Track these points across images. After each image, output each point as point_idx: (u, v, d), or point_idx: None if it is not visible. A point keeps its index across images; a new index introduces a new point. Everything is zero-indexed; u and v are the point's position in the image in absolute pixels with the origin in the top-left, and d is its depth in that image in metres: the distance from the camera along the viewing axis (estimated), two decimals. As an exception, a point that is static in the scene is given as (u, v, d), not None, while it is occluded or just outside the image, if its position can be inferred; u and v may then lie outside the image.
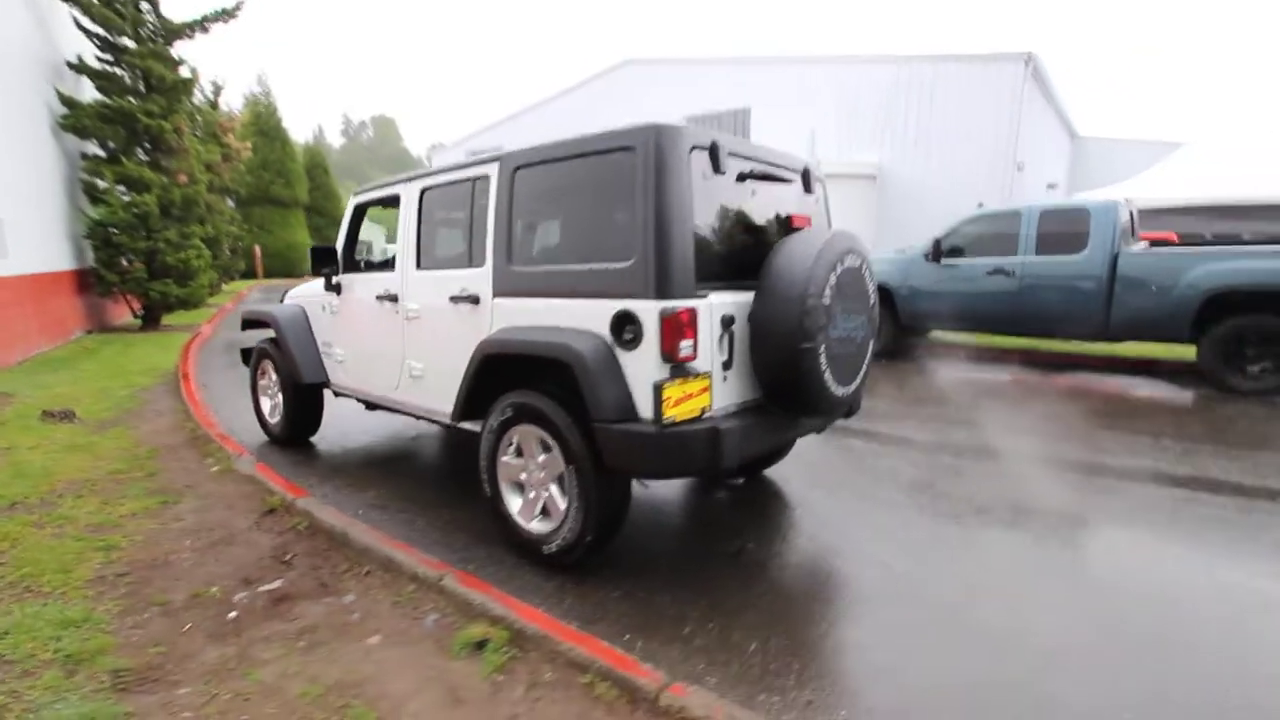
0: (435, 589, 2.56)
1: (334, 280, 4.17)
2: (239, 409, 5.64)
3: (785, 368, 2.63)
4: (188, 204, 10.11)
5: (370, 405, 4.42)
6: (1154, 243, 7.36)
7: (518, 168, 2.98)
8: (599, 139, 2.69)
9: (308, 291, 4.79)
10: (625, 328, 2.55)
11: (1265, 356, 5.80)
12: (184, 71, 10.27)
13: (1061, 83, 17.96)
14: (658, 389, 2.42)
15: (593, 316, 2.64)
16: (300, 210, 31.13)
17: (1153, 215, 10.51)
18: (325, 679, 2.10)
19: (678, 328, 2.44)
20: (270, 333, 4.90)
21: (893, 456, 4.47)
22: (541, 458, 2.88)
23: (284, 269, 29.26)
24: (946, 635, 2.39)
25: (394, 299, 3.67)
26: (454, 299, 3.25)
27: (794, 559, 3.03)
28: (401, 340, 3.66)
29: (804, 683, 2.12)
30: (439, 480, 4.17)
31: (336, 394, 4.56)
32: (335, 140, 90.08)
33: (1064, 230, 6.91)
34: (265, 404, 5.01)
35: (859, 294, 2.92)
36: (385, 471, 4.29)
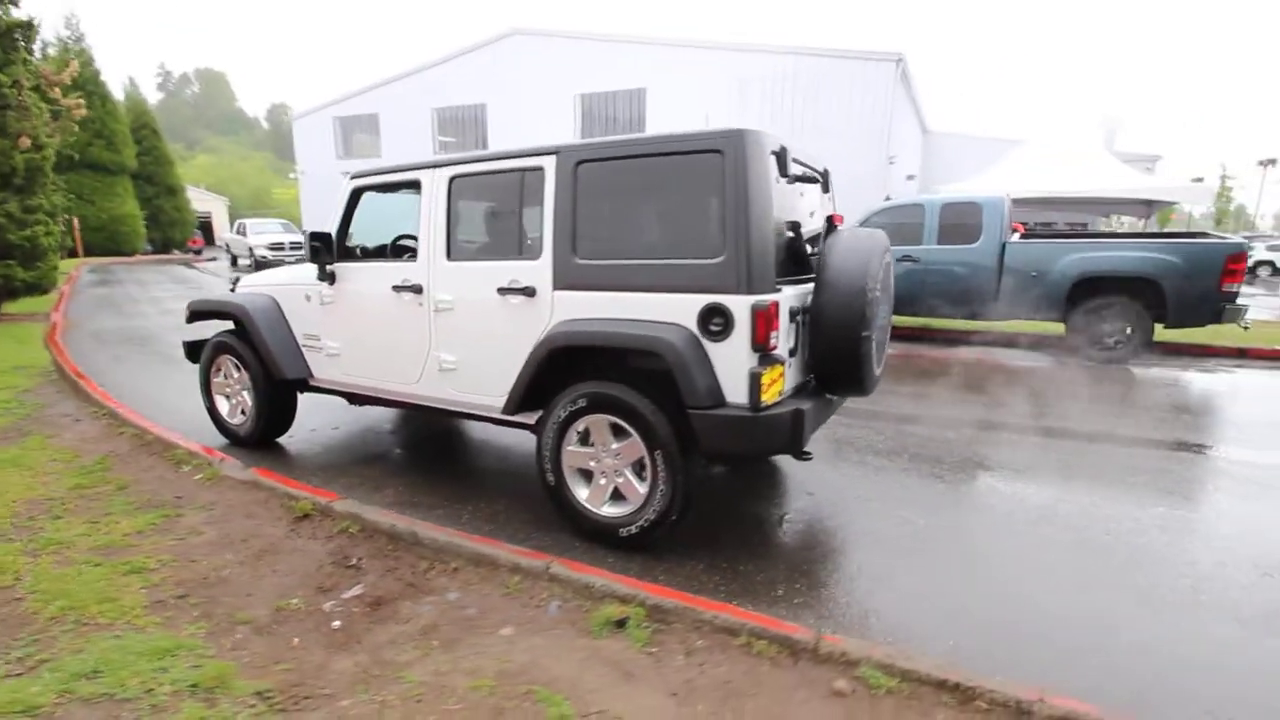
0: (545, 577, 2.63)
1: (328, 268, 3.90)
2: (162, 407, 5.11)
3: (847, 354, 2.95)
4: (32, 172, 8.60)
5: (355, 399, 4.23)
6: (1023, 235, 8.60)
7: (580, 162, 3.02)
8: (680, 140, 2.81)
9: (277, 279, 4.43)
10: (713, 320, 2.73)
11: (1118, 331, 7.08)
12: (20, 14, 8.63)
13: (918, 80, 19.96)
14: (755, 377, 2.64)
15: (677, 309, 2.79)
16: (127, 178, 27.14)
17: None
18: (485, 672, 2.14)
19: (768, 320, 2.66)
20: (226, 325, 4.51)
21: (861, 428, 5.00)
22: (615, 445, 3.00)
23: (110, 245, 25.50)
24: (985, 575, 2.87)
25: (417, 290, 3.55)
26: (503, 291, 3.23)
27: (831, 522, 3.41)
28: (427, 333, 3.55)
29: (906, 623, 2.47)
30: (452, 472, 4.10)
31: (311, 390, 4.29)
32: (151, 95, 78.59)
33: (961, 222, 7.89)
34: (223, 404, 4.58)
35: (888, 286, 3.31)
36: (387, 468, 4.14)
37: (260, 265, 21.24)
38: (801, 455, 2.94)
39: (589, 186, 3.03)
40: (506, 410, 3.27)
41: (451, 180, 3.45)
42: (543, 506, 3.50)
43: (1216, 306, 6.60)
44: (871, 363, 3.05)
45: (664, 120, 19.03)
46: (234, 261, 23.33)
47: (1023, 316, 7.73)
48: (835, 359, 3.00)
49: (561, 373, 3.11)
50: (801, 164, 3.25)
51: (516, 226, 3.32)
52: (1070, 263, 7.19)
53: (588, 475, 3.14)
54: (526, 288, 3.16)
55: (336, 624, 2.42)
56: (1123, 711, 1.90)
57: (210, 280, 17.70)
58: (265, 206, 45.36)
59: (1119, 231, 10.12)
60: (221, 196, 42.02)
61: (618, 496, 3.07)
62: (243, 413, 4.50)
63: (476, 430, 4.91)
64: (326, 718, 1.93)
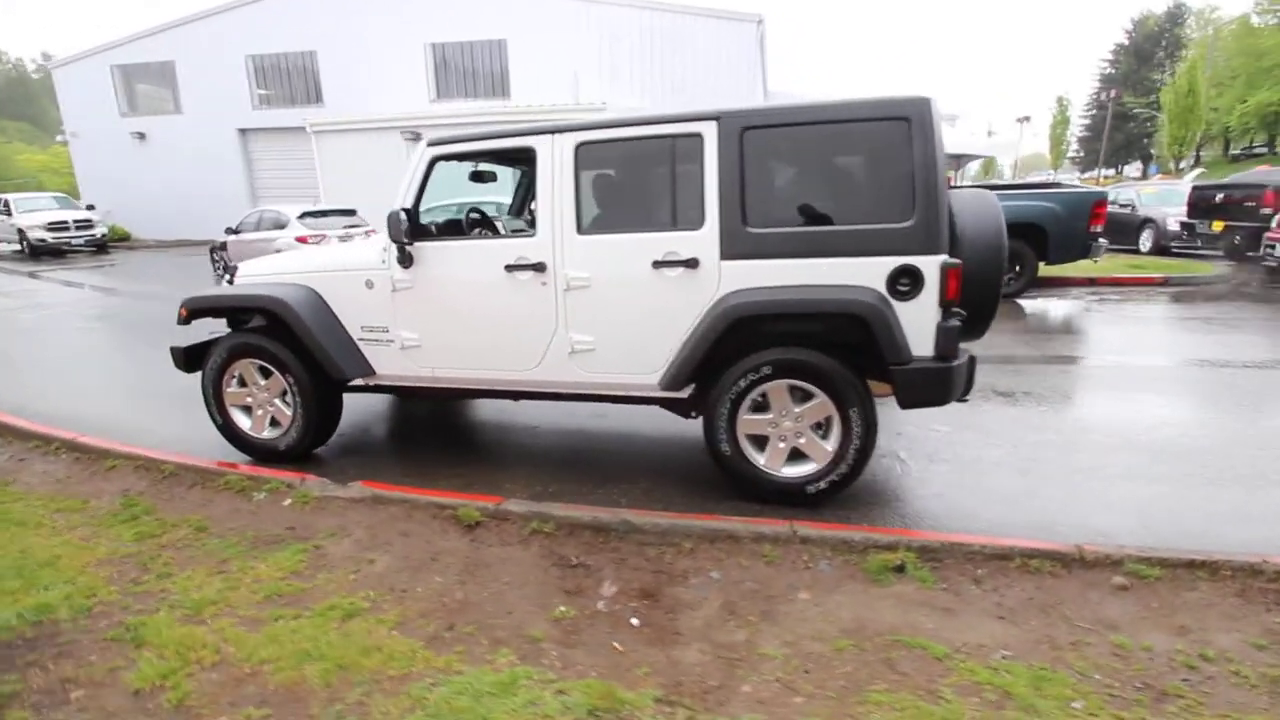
0: (795, 540, 2.71)
1: (407, 249, 3.44)
2: (89, 426, 4.23)
3: (986, 304, 3.30)
4: None
5: (416, 394, 3.88)
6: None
7: (747, 128, 2.98)
8: (860, 106, 2.90)
9: (310, 265, 3.82)
10: (900, 280, 2.92)
11: (1011, 270, 8.37)
12: None
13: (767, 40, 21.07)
14: (951, 330, 2.89)
15: (864, 272, 2.93)
16: None
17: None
18: (829, 634, 2.22)
19: (959, 277, 2.91)
20: (234, 323, 3.94)
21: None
22: (798, 409, 3.11)
23: None
24: (1100, 482, 3.45)
25: (539, 268, 3.29)
26: (658, 264, 3.12)
27: (943, 455, 3.81)
28: (554, 313, 3.32)
29: (1086, 524, 2.92)
30: (561, 459, 3.93)
31: (358, 391, 3.85)
32: None
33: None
34: (240, 418, 3.90)
35: None
36: (481, 464, 3.89)
37: (36, 250, 17.27)
38: (964, 398, 3.27)
39: (757, 154, 3.01)
40: (670, 386, 3.20)
41: (578, 148, 3.21)
42: (690, 478, 3.56)
43: (1086, 245, 8.08)
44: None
45: (529, 74, 18.27)
46: (-9, 247, 18.64)
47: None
48: (977, 309, 3.34)
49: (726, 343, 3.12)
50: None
51: (668, 196, 3.19)
52: (974, 212, 8.30)
53: (760, 440, 3.22)
54: (688, 259, 3.09)
55: (635, 621, 2.33)
56: (1311, 559, 2.48)
57: (-20, 272, 14.13)
58: (2, 178, 36.39)
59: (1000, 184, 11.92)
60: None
61: (795, 457, 3.19)
62: (274, 424, 3.88)
63: (510, 413, 4.64)
64: (746, 704, 1.91)
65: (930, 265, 2.88)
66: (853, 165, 3.00)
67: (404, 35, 18.47)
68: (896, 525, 3.00)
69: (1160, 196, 13.15)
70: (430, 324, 3.56)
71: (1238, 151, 43.05)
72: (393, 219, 3.31)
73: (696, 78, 17.36)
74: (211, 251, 13.32)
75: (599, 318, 3.29)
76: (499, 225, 4.36)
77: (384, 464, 3.92)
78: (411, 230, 3.42)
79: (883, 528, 2.83)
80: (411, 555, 2.75)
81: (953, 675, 2.00)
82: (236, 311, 3.89)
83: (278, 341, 3.69)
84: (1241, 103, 36.48)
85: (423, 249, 3.49)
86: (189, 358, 3.90)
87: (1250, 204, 9.53)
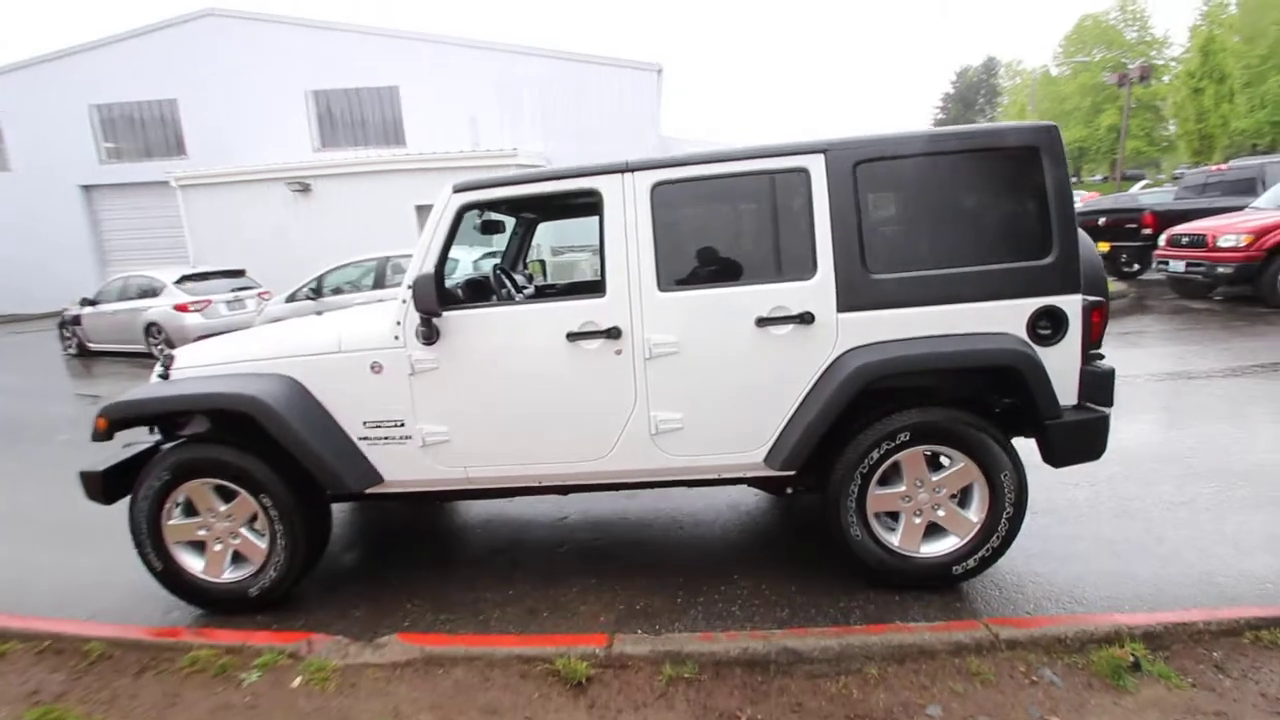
0: (999, 646, 2.23)
1: (433, 322, 2.70)
2: None
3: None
4: None
5: (420, 500, 3.11)
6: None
7: (860, 161, 2.58)
8: (985, 135, 2.60)
9: (284, 348, 2.94)
10: (1041, 323, 2.61)
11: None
12: None
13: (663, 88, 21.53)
14: (1107, 375, 2.61)
15: (1002, 317, 2.60)
16: None
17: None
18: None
19: (1104, 316, 2.64)
20: (146, 434, 3.04)
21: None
22: (936, 477, 2.68)
23: None
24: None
25: (612, 333, 2.67)
26: (763, 321, 2.61)
27: (1032, 504, 3.51)
28: (632, 387, 2.71)
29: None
30: (607, 559, 3.23)
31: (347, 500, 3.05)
32: None
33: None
34: (189, 558, 2.90)
35: None
36: (524, 578, 3.10)
37: None
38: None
39: (873, 189, 2.63)
40: (786, 464, 2.66)
41: (655, 188, 2.66)
42: (791, 563, 3.07)
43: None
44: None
45: (424, 121, 17.39)
46: None
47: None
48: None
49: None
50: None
51: (770, 241, 2.71)
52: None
53: (890, 518, 2.75)
54: (802, 314, 2.61)
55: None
56: None
57: None
58: None
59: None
60: None
61: (933, 533, 2.75)
62: (237, 560, 2.92)
63: (511, 501, 3.90)
64: None
65: (1072, 305, 2.59)
66: (980, 199, 2.68)
67: (280, 82, 17.01)
68: (1063, 601, 2.61)
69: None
70: (465, 412, 2.81)
71: (1054, 183, 49.73)
72: (422, 286, 2.57)
73: (601, 124, 17.22)
74: (61, 326, 11.21)
75: (689, 389, 2.71)
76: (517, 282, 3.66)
77: (389, 600, 2.99)
78: (440, 297, 2.70)
79: (1088, 615, 2.43)
80: (527, 744, 1.98)
81: (1327, 821, 1.58)
82: (177, 416, 2.91)
83: (245, 451, 2.77)
84: (1055, 141, 42.19)
85: (454, 319, 2.75)
86: (109, 483, 2.86)
87: (1132, 226, 10.58)
